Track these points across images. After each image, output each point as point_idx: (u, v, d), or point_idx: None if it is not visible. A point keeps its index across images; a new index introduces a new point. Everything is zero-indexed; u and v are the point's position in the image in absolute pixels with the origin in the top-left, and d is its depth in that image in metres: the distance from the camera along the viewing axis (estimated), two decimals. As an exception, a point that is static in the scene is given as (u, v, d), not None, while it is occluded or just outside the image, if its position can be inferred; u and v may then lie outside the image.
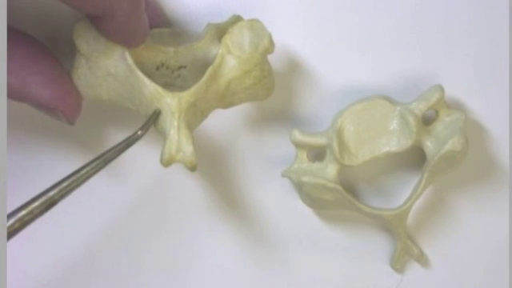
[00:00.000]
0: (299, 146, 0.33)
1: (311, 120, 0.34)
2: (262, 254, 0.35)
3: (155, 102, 0.30)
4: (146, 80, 0.30)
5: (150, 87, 0.30)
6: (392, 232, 0.34)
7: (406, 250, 0.34)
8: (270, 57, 0.32)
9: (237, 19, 0.32)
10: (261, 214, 0.35)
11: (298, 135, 0.33)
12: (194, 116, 0.31)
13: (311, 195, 0.33)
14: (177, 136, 0.30)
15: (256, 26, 0.31)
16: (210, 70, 0.31)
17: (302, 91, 0.34)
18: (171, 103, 0.30)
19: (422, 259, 0.34)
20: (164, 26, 0.33)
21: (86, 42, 0.31)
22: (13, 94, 0.29)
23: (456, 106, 0.34)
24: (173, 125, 0.30)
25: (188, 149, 0.29)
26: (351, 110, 0.33)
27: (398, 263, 0.34)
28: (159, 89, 0.30)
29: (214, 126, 0.34)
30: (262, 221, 0.35)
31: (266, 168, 0.34)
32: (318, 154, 0.34)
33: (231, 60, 0.31)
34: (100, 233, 0.35)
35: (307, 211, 0.35)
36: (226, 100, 0.32)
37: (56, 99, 0.30)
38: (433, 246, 0.35)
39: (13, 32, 0.29)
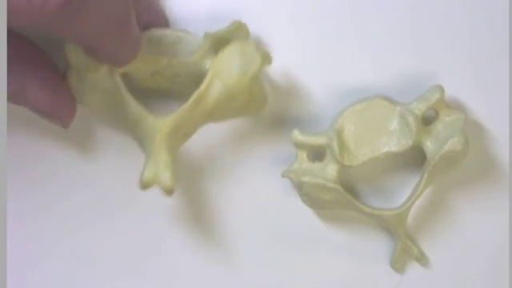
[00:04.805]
0: (299, 146, 0.33)
1: (311, 120, 0.34)
2: (262, 253, 0.35)
3: (139, 123, 0.31)
4: (130, 101, 0.31)
5: (134, 108, 0.31)
6: (392, 232, 0.34)
7: (406, 249, 0.34)
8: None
9: (238, 26, 0.32)
10: (261, 214, 0.35)
11: (298, 135, 0.33)
12: (176, 138, 0.31)
13: (311, 195, 0.33)
14: (155, 162, 0.30)
15: (247, 49, 0.31)
16: (196, 94, 0.31)
17: (302, 91, 0.34)
18: (153, 127, 0.31)
19: (422, 259, 0.34)
20: (164, 25, 0.33)
21: (76, 55, 0.31)
22: (11, 98, 0.30)
23: (456, 106, 0.34)
24: (152, 150, 0.31)
25: (165, 176, 0.30)
26: (351, 110, 0.33)
27: (397, 263, 0.34)
28: (143, 111, 0.31)
29: (214, 126, 0.34)
30: (262, 221, 0.35)
31: (266, 168, 0.34)
32: (318, 154, 0.33)
33: (218, 83, 0.31)
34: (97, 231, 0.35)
35: (307, 211, 0.35)
36: (213, 118, 0.32)
37: (52, 106, 0.31)
38: (433, 246, 0.35)
39: (13, 36, 0.29)
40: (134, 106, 0.31)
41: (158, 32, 0.32)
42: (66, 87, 0.31)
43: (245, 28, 0.32)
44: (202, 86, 0.31)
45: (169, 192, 0.30)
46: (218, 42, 0.32)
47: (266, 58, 0.32)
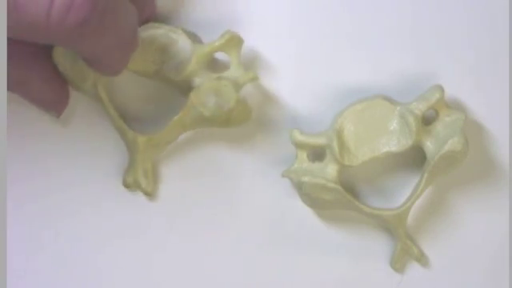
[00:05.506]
0: (299, 146, 0.33)
1: (311, 120, 0.34)
2: (262, 254, 0.35)
3: (121, 134, 0.33)
4: (113, 114, 0.32)
5: (116, 121, 0.33)
6: (392, 232, 0.34)
7: (406, 249, 0.34)
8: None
9: (230, 37, 0.32)
10: (261, 214, 0.35)
11: (298, 135, 0.33)
12: (157, 149, 0.33)
13: (311, 195, 0.33)
14: (134, 169, 0.33)
15: (224, 89, 0.32)
16: (175, 119, 0.32)
17: (302, 91, 0.34)
18: (133, 141, 0.33)
19: (422, 259, 0.34)
20: (154, 19, 0.33)
21: (63, 66, 0.32)
22: (13, 88, 0.31)
23: (456, 106, 0.34)
24: (132, 159, 0.33)
25: (143, 182, 0.33)
26: (351, 110, 0.33)
27: (397, 263, 0.34)
28: (123, 126, 0.33)
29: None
30: (262, 221, 0.35)
31: (266, 168, 0.34)
32: (318, 154, 0.33)
33: (196, 112, 0.32)
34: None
35: (307, 211, 0.35)
36: (193, 129, 0.33)
37: (51, 97, 0.32)
38: (433, 246, 0.35)
39: None
40: (116, 119, 0.33)
41: (150, 32, 0.32)
42: (62, 79, 0.32)
43: (237, 39, 0.32)
44: (181, 114, 0.32)
45: (148, 195, 0.34)
46: (209, 55, 0.32)
47: (251, 79, 0.32)
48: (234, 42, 0.32)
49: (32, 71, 0.31)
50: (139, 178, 0.33)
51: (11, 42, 0.27)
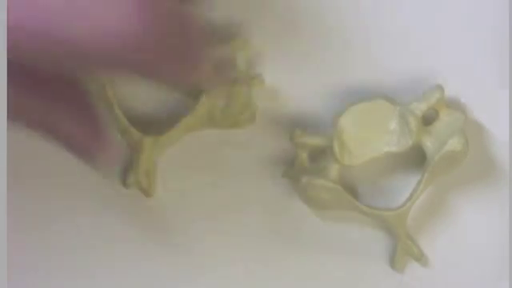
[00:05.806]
0: (299, 146, 0.33)
1: (311, 120, 0.34)
2: (262, 253, 0.35)
3: (126, 134, 0.33)
4: (119, 113, 0.33)
5: (121, 121, 0.33)
6: (392, 232, 0.34)
7: (406, 249, 0.34)
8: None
9: (240, 41, 0.33)
10: (261, 214, 0.35)
11: (298, 135, 0.33)
12: (160, 148, 0.33)
13: (311, 195, 0.33)
14: (136, 169, 0.33)
15: (236, 93, 0.32)
16: (184, 121, 0.32)
17: (302, 91, 0.34)
18: (138, 142, 0.33)
19: (422, 259, 0.34)
20: None
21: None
22: (36, 125, 0.27)
23: (456, 106, 0.34)
24: (134, 158, 0.33)
25: (144, 182, 0.33)
26: (351, 110, 0.33)
27: (397, 263, 0.34)
28: (129, 126, 0.33)
29: (214, 126, 0.34)
30: (262, 221, 0.35)
31: (266, 168, 0.34)
32: (318, 154, 0.34)
33: (207, 114, 0.33)
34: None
35: (307, 211, 0.35)
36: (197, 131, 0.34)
37: (82, 137, 0.26)
38: (433, 246, 0.35)
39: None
40: (121, 119, 0.33)
41: None
42: (98, 120, 0.27)
43: (245, 43, 0.33)
44: (189, 117, 0.32)
45: (148, 196, 0.34)
46: (219, 57, 0.33)
47: (258, 84, 0.33)
48: (242, 46, 0.33)
49: (57, 105, 0.26)
50: (141, 178, 0.33)
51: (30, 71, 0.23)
